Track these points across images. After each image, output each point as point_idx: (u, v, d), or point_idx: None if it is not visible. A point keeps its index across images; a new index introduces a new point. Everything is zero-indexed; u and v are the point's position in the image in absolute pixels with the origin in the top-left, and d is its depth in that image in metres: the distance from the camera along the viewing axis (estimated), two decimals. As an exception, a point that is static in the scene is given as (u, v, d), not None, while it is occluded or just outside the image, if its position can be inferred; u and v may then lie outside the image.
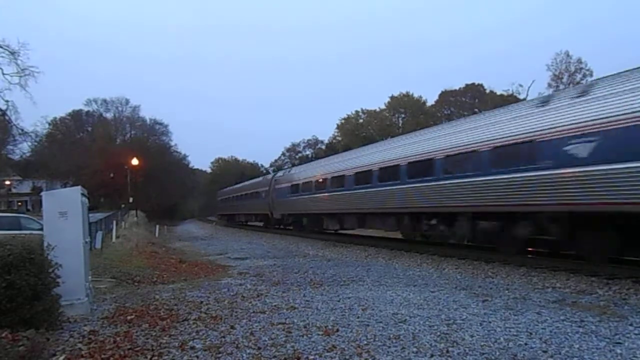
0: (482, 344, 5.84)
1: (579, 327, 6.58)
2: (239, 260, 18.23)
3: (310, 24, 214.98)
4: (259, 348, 5.85)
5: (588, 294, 9.25)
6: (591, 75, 48.34)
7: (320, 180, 26.33)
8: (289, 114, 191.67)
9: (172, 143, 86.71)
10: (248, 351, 5.74)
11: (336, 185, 24.01)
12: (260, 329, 6.82)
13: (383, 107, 73.08)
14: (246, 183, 50.87)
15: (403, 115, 71.17)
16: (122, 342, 6.13)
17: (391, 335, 6.29)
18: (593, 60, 74.74)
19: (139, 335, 6.56)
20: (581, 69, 50.25)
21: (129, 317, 7.66)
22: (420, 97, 71.04)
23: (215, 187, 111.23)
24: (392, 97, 71.63)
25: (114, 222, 28.29)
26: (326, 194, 25.20)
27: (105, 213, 37.13)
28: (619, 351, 5.46)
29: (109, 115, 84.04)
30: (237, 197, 51.22)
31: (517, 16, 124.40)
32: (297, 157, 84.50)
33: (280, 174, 37.22)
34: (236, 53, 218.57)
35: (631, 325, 6.62)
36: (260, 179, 45.41)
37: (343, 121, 77.71)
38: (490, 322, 6.93)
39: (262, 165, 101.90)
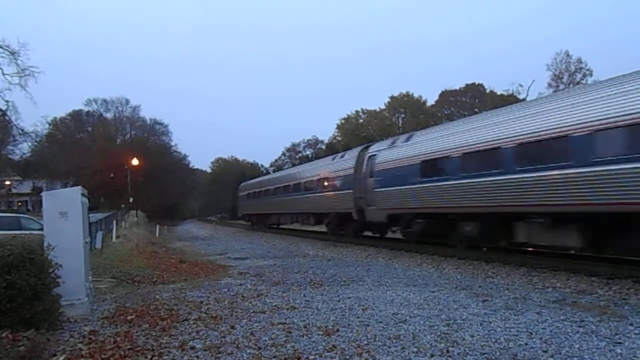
0: (483, 343, 5.84)
1: (579, 327, 6.58)
2: (239, 260, 18.23)
3: (310, 24, 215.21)
4: (259, 348, 5.85)
5: (588, 294, 9.24)
6: (591, 75, 48.44)
7: (534, 143, 12.20)
8: (289, 114, 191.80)
9: (172, 143, 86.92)
10: (248, 351, 5.74)
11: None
12: (260, 329, 6.82)
13: (383, 107, 73.19)
14: (299, 169, 35.67)
15: (403, 115, 71.21)
16: (122, 342, 6.13)
17: (391, 335, 6.29)
18: (593, 60, 74.86)
19: (139, 335, 6.56)
20: (581, 68, 50.29)
21: (129, 317, 7.66)
22: (420, 97, 71.13)
23: (216, 187, 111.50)
24: (392, 97, 71.68)
25: (114, 222, 28.29)
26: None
27: (106, 213, 37.15)
28: (619, 351, 5.46)
29: (109, 115, 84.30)
30: (279, 189, 35.36)
31: (517, 16, 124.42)
32: (297, 157, 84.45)
33: (380, 146, 21.43)
34: (236, 53, 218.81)
35: (631, 325, 6.62)
36: (331, 158, 28.67)
37: (343, 121, 77.80)
38: (490, 322, 6.92)
39: (262, 165, 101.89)
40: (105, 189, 67.23)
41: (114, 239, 22.90)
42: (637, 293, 9.11)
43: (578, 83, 46.33)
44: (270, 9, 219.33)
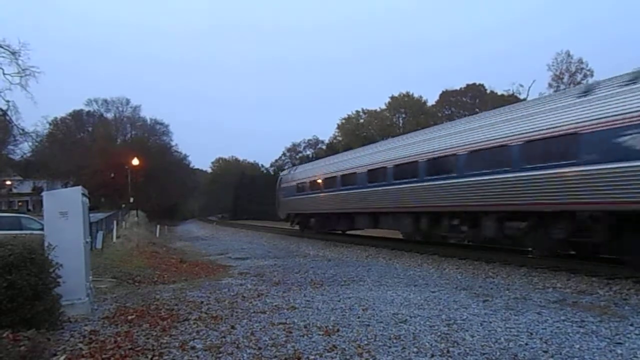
0: (483, 344, 5.84)
1: (580, 327, 6.58)
2: (240, 260, 18.24)
3: (310, 24, 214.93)
4: (260, 348, 5.86)
5: (589, 294, 9.25)
6: (592, 75, 48.37)
7: None
8: (289, 114, 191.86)
9: (173, 143, 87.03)
10: (248, 351, 5.74)
11: None
12: (260, 329, 6.82)
13: (383, 107, 73.21)
14: (449, 128, 17.04)
15: (403, 115, 71.23)
16: (122, 342, 6.14)
17: (392, 335, 6.29)
18: (593, 60, 74.62)
19: (139, 335, 6.56)
20: (582, 69, 50.23)
21: (129, 317, 7.67)
22: (421, 97, 71.12)
23: (216, 187, 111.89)
24: (392, 97, 71.72)
25: (115, 222, 28.30)
26: None
27: (106, 213, 37.18)
28: (619, 351, 5.46)
29: (109, 115, 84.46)
30: (380, 173, 20.19)
31: (517, 16, 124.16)
32: (297, 157, 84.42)
33: None
34: (236, 53, 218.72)
35: (632, 325, 6.62)
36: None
37: (344, 121, 77.91)
38: (490, 322, 6.93)
39: (262, 165, 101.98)
40: (106, 189, 67.20)
41: (114, 239, 22.91)
42: (638, 293, 9.11)
43: (578, 83, 46.31)
44: (270, 9, 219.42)
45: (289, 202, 32.20)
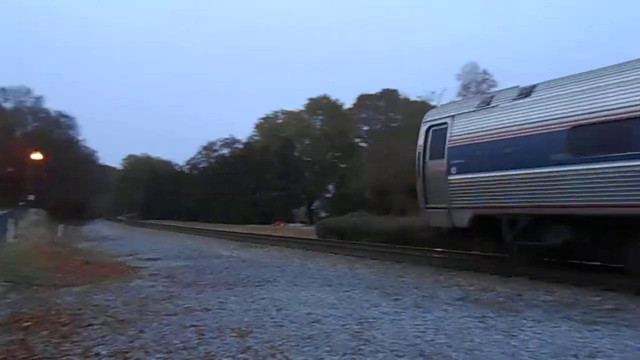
0: (392, 341, 6.04)
1: (481, 322, 7.01)
2: (150, 261, 17.54)
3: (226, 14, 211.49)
4: (170, 352, 5.66)
5: (489, 291, 9.87)
6: (495, 86, 51.87)
7: None
8: (205, 110, 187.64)
9: (80, 137, 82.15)
10: (158, 355, 5.53)
11: None
12: (171, 332, 6.60)
13: (302, 108, 73.83)
14: None
15: (321, 117, 72.21)
16: (17, 350, 5.68)
17: (305, 335, 6.34)
18: (498, 72, 79.63)
19: (36, 342, 6.09)
20: (486, 79, 53.73)
21: (25, 324, 7.10)
22: (337, 100, 72.45)
23: (127, 184, 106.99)
24: (310, 99, 72.53)
25: (11, 221, 26.19)
26: None
27: (2, 210, 34.37)
28: (514, 343, 5.89)
29: (7, 105, 77.99)
30: None
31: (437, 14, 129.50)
32: (213, 155, 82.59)
33: None
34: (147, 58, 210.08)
35: (524, 319, 7.18)
36: None
37: (262, 121, 77.74)
38: (400, 320, 7.18)
39: (176, 164, 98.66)
40: (2, 184, 62.15)
41: (10, 239, 21.22)
42: (530, 289, 9.89)
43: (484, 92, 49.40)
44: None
45: (489, 186, 11.71)
